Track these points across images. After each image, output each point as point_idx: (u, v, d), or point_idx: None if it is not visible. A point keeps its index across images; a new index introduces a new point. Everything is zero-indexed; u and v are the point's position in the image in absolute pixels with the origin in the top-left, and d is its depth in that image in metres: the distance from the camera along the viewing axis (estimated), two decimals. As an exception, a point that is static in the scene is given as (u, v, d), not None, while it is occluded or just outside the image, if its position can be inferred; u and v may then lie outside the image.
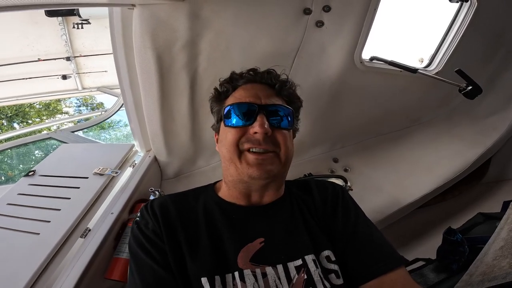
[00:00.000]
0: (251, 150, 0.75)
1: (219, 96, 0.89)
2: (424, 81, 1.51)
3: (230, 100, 0.84)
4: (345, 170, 1.62)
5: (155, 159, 1.33)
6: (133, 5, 0.90)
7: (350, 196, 0.89)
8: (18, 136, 3.02)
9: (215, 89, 0.91)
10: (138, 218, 0.78)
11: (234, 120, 0.78)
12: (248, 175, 0.75)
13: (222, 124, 0.83)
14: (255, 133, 0.74)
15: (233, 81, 0.88)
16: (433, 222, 1.71)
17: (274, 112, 0.79)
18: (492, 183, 1.93)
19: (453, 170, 1.60)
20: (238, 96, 0.83)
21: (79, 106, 9.12)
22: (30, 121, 8.69)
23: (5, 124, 8.60)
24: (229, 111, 0.80)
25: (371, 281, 0.69)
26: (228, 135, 0.78)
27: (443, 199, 1.78)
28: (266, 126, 0.74)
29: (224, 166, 0.84)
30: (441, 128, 1.84)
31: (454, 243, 1.14)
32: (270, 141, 0.76)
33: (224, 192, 0.84)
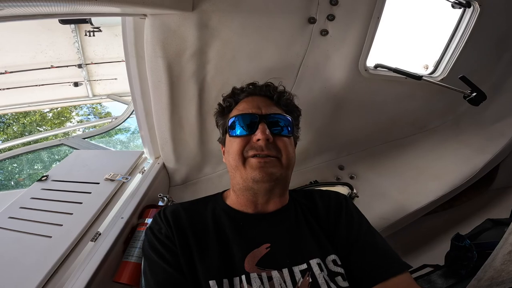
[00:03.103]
0: (255, 155, 0.79)
1: (223, 111, 0.96)
2: (429, 87, 1.51)
3: (234, 113, 0.90)
4: (351, 177, 1.62)
5: (163, 166, 1.35)
6: (145, 15, 0.94)
7: (354, 204, 0.91)
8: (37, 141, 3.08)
9: (219, 104, 0.97)
10: (151, 224, 0.82)
11: (238, 130, 0.84)
12: (252, 179, 0.79)
13: (227, 135, 0.88)
14: (258, 140, 0.79)
15: (235, 96, 0.94)
16: (441, 229, 1.69)
17: (275, 121, 0.84)
18: (501, 189, 1.90)
19: (460, 176, 1.58)
20: (241, 108, 0.88)
21: (89, 115, 9.45)
22: (41, 129, 8.88)
23: (15, 130, 8.77)
24: (233, 122, 0.85)
25: (374, 286, 0.70)
26: (233, 144, 0.83)
27: (451, 205, 1.76)
28: (267, 133, 0.79)
29: (231, 175, 0.88)
30: (448, 135, 1.82)
31: (462, 249, 1.13)
32: (272, 147, 0.80)
33: (232, 200, 0.88)
